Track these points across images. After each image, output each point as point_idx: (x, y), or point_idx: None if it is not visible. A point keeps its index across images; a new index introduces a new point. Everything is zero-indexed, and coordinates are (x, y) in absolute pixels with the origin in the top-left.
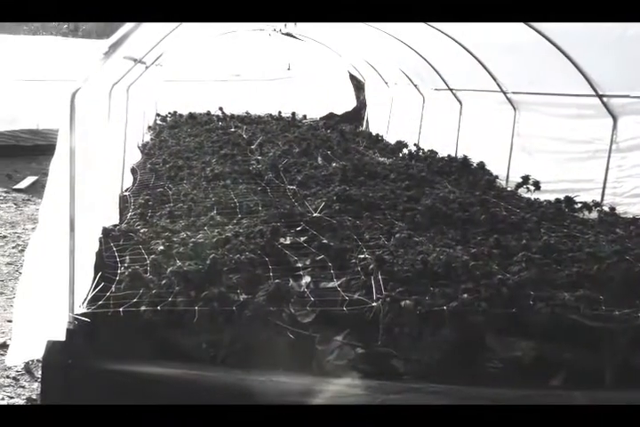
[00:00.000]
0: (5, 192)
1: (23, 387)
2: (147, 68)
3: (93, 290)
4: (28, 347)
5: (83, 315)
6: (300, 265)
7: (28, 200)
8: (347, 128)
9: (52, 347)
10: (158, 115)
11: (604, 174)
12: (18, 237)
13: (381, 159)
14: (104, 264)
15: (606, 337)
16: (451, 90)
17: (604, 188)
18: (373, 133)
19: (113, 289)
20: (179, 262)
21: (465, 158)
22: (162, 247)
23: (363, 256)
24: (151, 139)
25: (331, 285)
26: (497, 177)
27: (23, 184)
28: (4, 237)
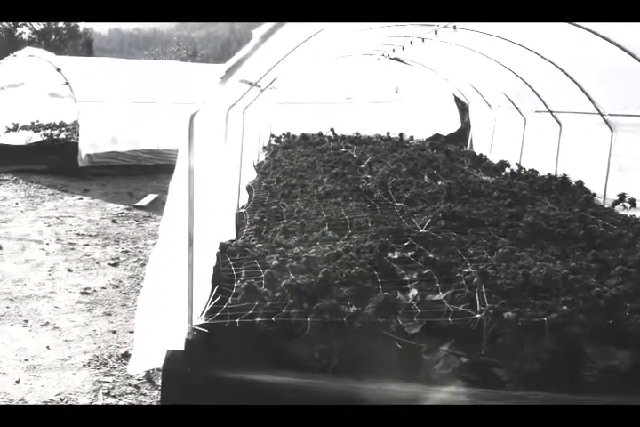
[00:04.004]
0: (127, 209)
1: (144, 395)
2: (262, 91)
3: (211, 302)
4: (149, 356)
5: (201, 326)
6: (407, 278)
7: (149, 217)
8: (452, 148)
9: (172, 356)
10: (272, 135)
11: None
12: (139, 251)
13: (485, 178)
14: (221, 278)
15: None
16: (551, 112)
17: None
18: (477, 153)
19: (229, 301)
20: (292, 276)
21: (564, 177)
22: (276, 262)
23: (467, 270)
24: (266, 158)
25: (436, 297)
26: (595, 195)
27: (144, 201)
28: (127, 251)
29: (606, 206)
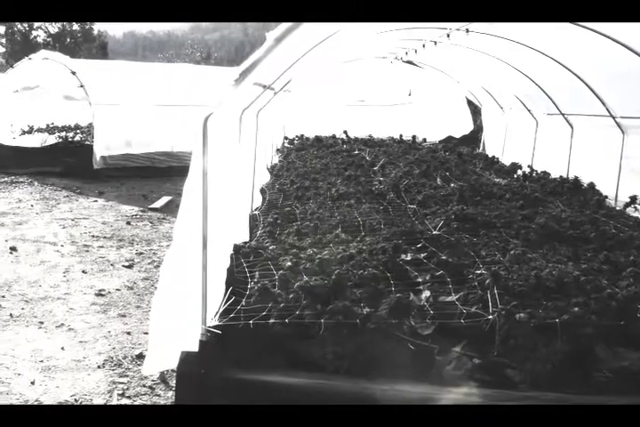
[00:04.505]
0: (142, 211)
1: (158, 395)
2: (275, 93)
3: (225, 304)
4: (163, 357)
5: (215, 327)
6: (420, 280)
7: (163, 219)
8: (464, 151)
9: (186, 358)
10: (286, 138)
11: None
12: (153, 253)
13: (497, 180)
14: (235, 279)
15: None
16: (562, 115)
17: None
18: (489, 156)
19: (243, 303)
20: (305, 278)
21: (576, 179)
22: (289, 263)
23: (479, 272)
24: (279, 161)
25: (449, 299)
26: (606, 197)
27: (158, 204)
28: (141, 253)
29: (618, 208)
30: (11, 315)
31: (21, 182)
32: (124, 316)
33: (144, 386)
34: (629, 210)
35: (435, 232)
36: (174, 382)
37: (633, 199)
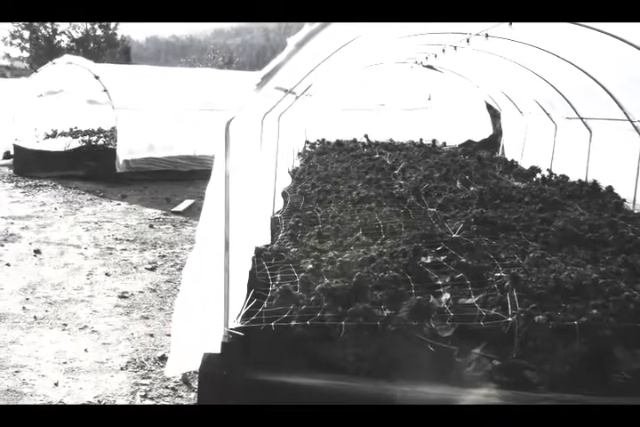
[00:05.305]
0: (164, 214)
1: (181, 397)
2: (297, 98)
3: (247, 306)
4: (186, 359)
5: (237, 329)
6: (439, 283)
7: (186, 222)
8: (484, 154)
9: (208, 359)
10: (307, 142)
11: None
12: (176, 256)
13: (516, 184)
14: (257, 282)
15: None
16: (581, 119)
17: None
18: (509, 159)
19: (265, 305)
20: (327, 280)
21: (594, 183)
22: (311, 266)
23: (499, 274)
24: (301, 164)
25: (469, 301)
26: (624, 200)
27: (181, 207)
28: (164, 256)
29: (636, 211)
30: (35, 317)
31: (45, 186)
32: (146, 318)
33: (167, 387)
34: None
35: (454, 235)
36: (197, 383)
37: None
